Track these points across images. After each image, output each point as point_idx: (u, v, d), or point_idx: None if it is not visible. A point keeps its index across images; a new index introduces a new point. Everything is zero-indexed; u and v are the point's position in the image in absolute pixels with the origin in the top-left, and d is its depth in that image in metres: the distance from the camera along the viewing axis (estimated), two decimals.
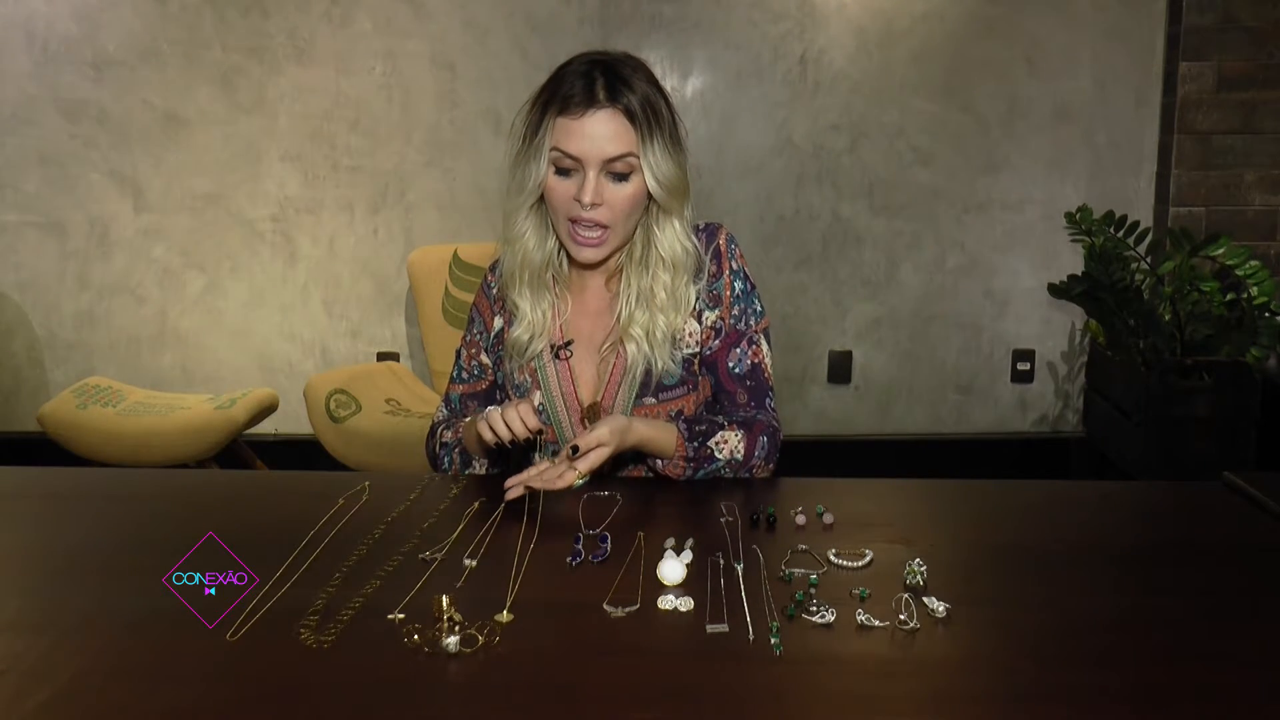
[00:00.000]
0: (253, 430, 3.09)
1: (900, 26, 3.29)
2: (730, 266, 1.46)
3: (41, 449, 2.91)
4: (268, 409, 3.03)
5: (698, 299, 1.45)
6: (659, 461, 1.40)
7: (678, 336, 1.44)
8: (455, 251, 3.18)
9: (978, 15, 3.28)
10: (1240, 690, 0.88)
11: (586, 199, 1.33)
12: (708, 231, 1.47)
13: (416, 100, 3.32)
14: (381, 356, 3.44)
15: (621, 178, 1.36)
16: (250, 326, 3.45)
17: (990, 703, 0.86)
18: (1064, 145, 3.36)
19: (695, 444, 1.39)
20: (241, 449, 3.09)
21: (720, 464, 1.40)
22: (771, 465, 1.45)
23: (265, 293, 3.43)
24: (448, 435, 1.52)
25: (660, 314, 1.41)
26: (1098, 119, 3.34)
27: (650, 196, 1.39)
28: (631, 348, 1.42)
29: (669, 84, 3.31)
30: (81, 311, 3.42)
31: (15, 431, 3.44)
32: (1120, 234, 2.97)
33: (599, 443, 1.30)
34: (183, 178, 3.34)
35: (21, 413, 3.43)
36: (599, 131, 1.33)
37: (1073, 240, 3.15)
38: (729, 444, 1.40)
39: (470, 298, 3.12)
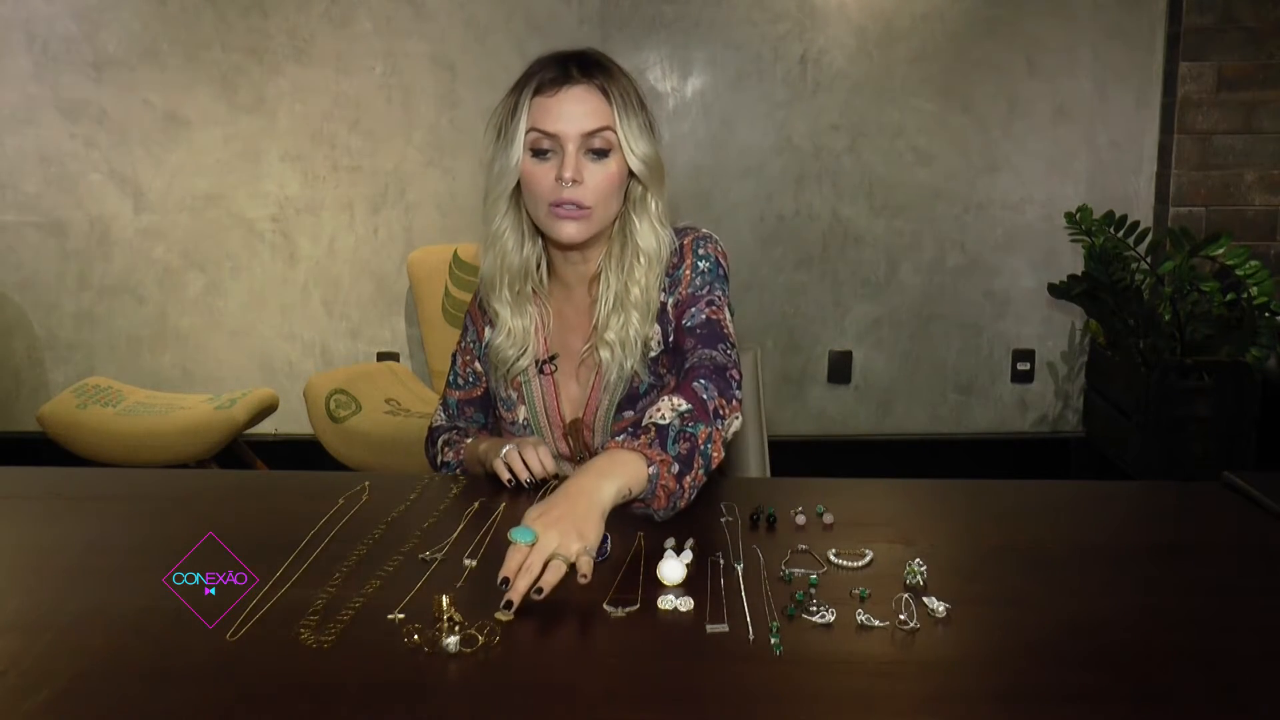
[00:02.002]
0: (253, 430, 3.09)
1: (900, 26, 3.29)
2: (695, 253, 1.42)
3: (41, 449, 2.91)
4: (268, 409, 3.03)
5: (660, 296, 1.42)
6: (645, 501, 1.18)
7: (647, 340, 1.41)
8: (455, 251, 3.18)
9: (978, 15, 3.28)
10: (1240, 690, 0.88)
11: (567, 174, 1.32)
12: (679, 234, 1.45)
13: (416, 100, 3.32)
14: (381, 356, 3.44)
15: (600, 155, 1.34)
16: (250, 326, 3.45)
17: (990, 703, 0.86)
18: (1064, 145, 3.36)
19: (633, 433, 1.19)
20: (241, 449, 3.09)
21: (673, 425, 1.19)
22: (735, 403, 1.28)
23: (265, 293, 3.43)
24: (449, 454, 1.52)
25: (634, 311, 1.39)
26: (1098, 119, 3.34)
27: (630, 177, 1.38)
28: (605, 353, 1.41)
29: (669, 84, 3.31)
30: (81, 311, 3.42)
31: (15, 431, 3.44)
32: (1120, 234, 2.97)
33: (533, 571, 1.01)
34: (183, 178, 3.34)
35: (21, 413, 3.43)
36: (576, 108, 1.33)
37: (1073, 240, 3.15)
38: (663, 405, 1.23)
39: (470, 298, 3.14)
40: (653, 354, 1.43)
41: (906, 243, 3.42)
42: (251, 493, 1.45)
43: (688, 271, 1.42)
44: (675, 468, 1.17)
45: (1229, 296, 2.87)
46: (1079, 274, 3.09)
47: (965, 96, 3.33)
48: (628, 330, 1.39)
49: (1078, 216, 3.05)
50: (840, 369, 3.49)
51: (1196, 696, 0.87)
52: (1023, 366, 3.50)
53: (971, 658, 0.94)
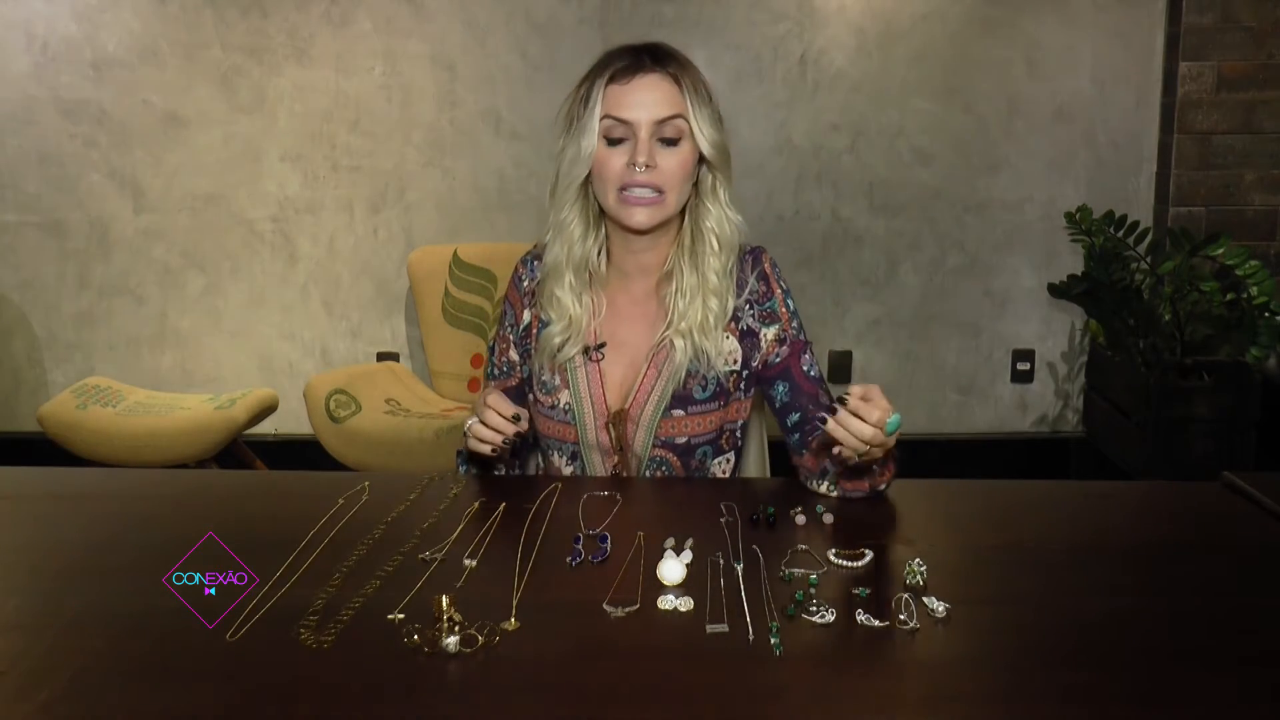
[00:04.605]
0: (253, 430, 3.09)
1: (900, 26, 3.29)
2: (781, 286, 1.48)
3: (41, 449, 2.91)
4: (268, 409, 3.03)
5: (739, 316, 1.45)
6: (876, 476, 1.31)
7: (722, 327, 1.43)
8: (455, 251, 3.18)
9: (978, 15, 3.28)
10: (1240, 690, 0.88)
11: (640, 158, 1.34)
12: (753, 254, 1.48)
13: (416, 100, 3.32)
14: (381, 356, 3.44)
15: (671, 143, 1.37)
16: (250, 326, 3.45)
17: (990, 703, 0.86)
18: (1064, 145, 3.36)
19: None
20: (241, 449, 3.09)
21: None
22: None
23: (265, 293, 3.43)
24: (461, 444, 1.52)
25: (712, 297, 1.42)
26: (1098, 119, 3.34)
27: (700, 164, 1.41)
28: (680, 343, 1.41)
29: None
30: (81, 311, 3.42)
31: (15, 431, 3.44)
32: (1120, 234, 2.96)
33: (872, 438, 1.19)
34: (183, 178, 3.34)
35: (21, 413, 3.43)
36: (649, 96, 1.36)
37: (1073, 240, 3.15)
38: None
39: (470, 298, 3.16)
40: (729, 368, 1.44)
41: (906, 243, 3.42)
42: (251, 493, 1.45)
43: (783, 308, 1.47)
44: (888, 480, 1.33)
45: (1229, 296, 2.87)
46: (1079, 274, 3.09)
47: (965, 96, 3.33)
48: (706, 314, 1.42)
49: (1078, 216, 3.05)
50: (840, 369, 3.49)
51: (1196, 696, 0.87)
52: (1023, 366, 3.50)
53: (971, 658, 0.94)
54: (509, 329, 1.54)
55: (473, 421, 1.35)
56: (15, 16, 3.24)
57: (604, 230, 1.46)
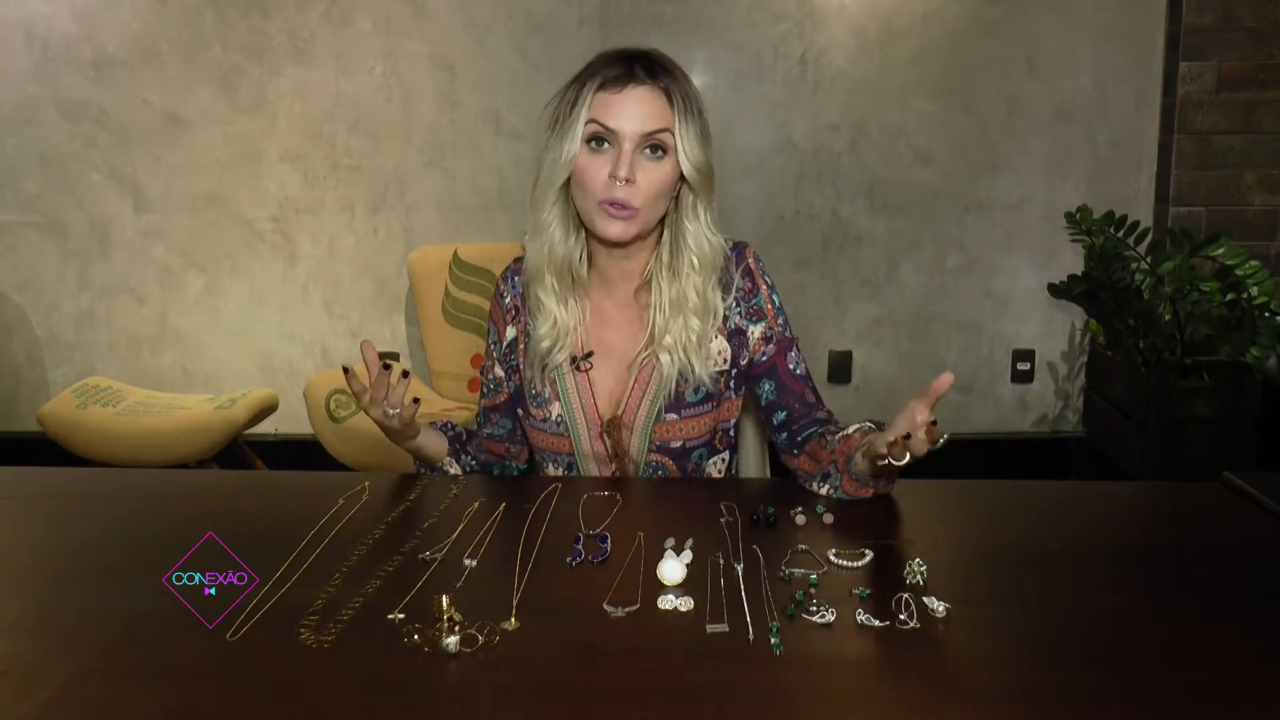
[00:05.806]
0: (253, 430, 3.09)
1: (900, 26, 3.29)
2: (766, 282, 1.47)
3: (41, 449, 2.91)
4: (268, 409, 3.03)
5: (728, 316, 1.44)
6: (882, 486, 1.33)
7: (707, 345, 1.42)
8: (455, 251, 3.18)
9: (978, 15, 3.28)
10: (1240, 690, 0.88)
11: (621, 172, 1.32)
12: (736, 250, 1.47)
13: (416, 100, 3.32)
14: (381, 356, 3.42)
15: (656, 156, 1.35)
16: (250, 326, 3.45)
17: (990, 703, 0.86)
18: (1064, 145, 3.36)
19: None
20: (241, 449, 3.09)
21: None
22: None
23: (265, 293, 3.43)
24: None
25: (693, 317, 1.40)
26: (1098, 119, 3.34)
27: (681, 180, 1.38)
28: (665, 358, 1.40)
29: None
30: (81, 311, 3.42)
31: (15, 431, 3.44)
32: (1120, 234, 2.97)
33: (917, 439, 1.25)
34: (183, 178, 3.34)
35: (21, 413, 3.43)
36: (637, 108, 1.33)
37: (1073, 240, 3.15)
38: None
39: (470, 298, 3.16)
40: (718, 369, 1.43)
41: (906, 243, 3.42)
42: (251, 493, 1.45)
43: (768, 305, 1.46)
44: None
45: (1229, 296, 2.87)
46: (1079, 274, 3.09)
47: (965, 96, 3.33)
48: (689, 334, 1.40)
49: (1078, 216, 3.05)
50: (840, 369, 3.49)
51: (1196, 696, 0.87)
52: (1023, 366, 3.50)
53: (971, 658, 0.94)
54: (493, 346, 1.53)
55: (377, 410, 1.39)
56: (15, 16, 3.24)
57: (584, 234, 1.44)
